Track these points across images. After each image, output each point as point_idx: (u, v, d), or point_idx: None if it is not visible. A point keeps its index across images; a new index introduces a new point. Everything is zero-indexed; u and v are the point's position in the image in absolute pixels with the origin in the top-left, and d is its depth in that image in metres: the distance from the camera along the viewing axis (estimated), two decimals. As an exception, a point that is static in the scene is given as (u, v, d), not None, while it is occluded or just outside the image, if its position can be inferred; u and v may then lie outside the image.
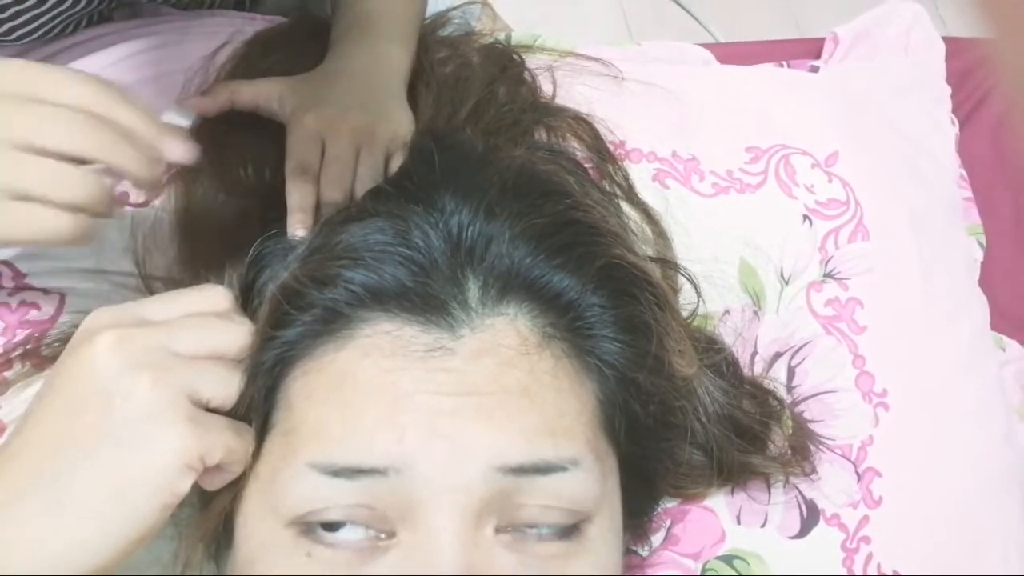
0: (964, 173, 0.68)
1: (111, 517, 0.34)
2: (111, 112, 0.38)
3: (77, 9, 0.56)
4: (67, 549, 0.33)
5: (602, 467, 0.39)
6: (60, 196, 0.37)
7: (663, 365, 0.43)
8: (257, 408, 0.39)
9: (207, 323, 0.38)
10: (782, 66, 0.69)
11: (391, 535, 0.36)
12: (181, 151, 0.40)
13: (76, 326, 0.37)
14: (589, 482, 0.38)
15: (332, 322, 0.38)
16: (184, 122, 0.54)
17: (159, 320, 0.37)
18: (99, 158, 0.37)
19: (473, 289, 0.39)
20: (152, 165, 0.40)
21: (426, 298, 0.38)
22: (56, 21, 0.56)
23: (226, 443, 0.36)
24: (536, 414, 0.37)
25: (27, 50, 0.57)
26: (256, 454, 0.39)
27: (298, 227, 0.45)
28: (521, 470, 0.36)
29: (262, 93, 0.51)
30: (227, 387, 0.37)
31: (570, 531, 0.38)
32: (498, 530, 0.37)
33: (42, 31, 0.56)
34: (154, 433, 0.34)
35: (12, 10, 0.52)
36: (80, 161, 0.38)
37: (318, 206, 0.46)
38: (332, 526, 0.36)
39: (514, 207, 0.41)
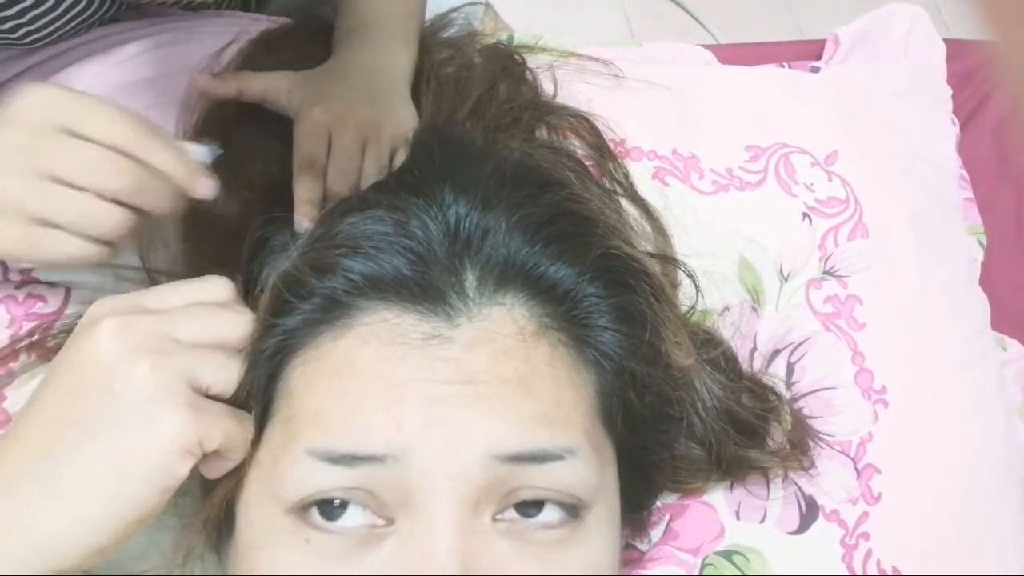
0: (965, 174, 0.68)
1: (110, 497, 0.34)
2: (141, 151, 0.38)
3: (88, 13, 0.57)
4: (67, 529, 0.34)
5: (599, 457, 0.40)
6: (83, 229, 0.38)
7: (659, 355, 0.43)
8: (257, 396, 0.39)
9: (209, 312, 0.39)
10: (783, 67, 0.70)
11: (390, 522, 0.37)
12: (206, 189, 0.41)
13: (81, 317, 0.38)
14: (586, 471, 0.38)
15: (332, 310, 0.39)
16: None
17: (162, 309, 0.38)
18: (125, 200, 0.38)
19: (471, 279, 0.39)
20: (174, 201, 0.41)
21: (424, 287, 0.38)
22: (68, 26, 0.57)
23: (225, 429, 0.36)
24: (533, 403, 0.38)
25: (34, 51, 0.58)
26: (257, 442, 0.39)
27: (305, 219, 0.46)
28: (518, 458, 0.37)
29: (271, 86, 0.52)
30: (227, 374, 0.38)
31: (567, 520, 0.38)
32: (495, 518, 0.37)
33: (54, 35, 0.57)
34: (153, 416, 0.35)
35: (29, 15, 0.53)
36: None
37: (324, 199, 0.47)
38: (331, 513, 0.37)
39: (511, 198, 0.41)
